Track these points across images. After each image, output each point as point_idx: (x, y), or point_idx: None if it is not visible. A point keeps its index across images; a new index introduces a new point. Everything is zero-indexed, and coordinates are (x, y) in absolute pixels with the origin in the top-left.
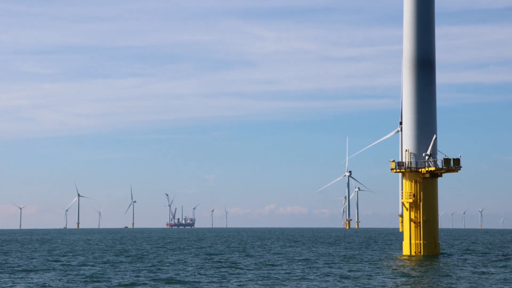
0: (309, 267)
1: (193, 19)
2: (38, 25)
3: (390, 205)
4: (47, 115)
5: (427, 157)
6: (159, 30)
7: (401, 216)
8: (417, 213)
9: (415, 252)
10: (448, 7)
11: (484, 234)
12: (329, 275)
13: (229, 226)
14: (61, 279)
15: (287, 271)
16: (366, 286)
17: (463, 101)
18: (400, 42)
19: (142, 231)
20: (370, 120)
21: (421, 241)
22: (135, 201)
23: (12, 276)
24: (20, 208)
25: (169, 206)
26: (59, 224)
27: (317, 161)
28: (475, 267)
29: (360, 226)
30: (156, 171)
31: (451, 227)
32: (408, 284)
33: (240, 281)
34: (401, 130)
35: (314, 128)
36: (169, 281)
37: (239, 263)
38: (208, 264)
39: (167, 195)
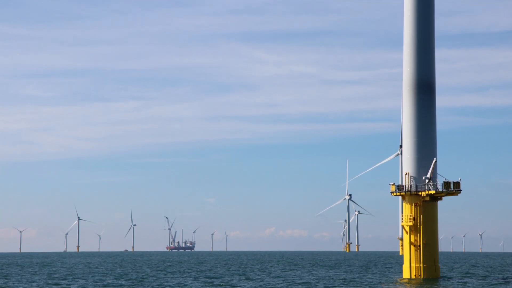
0: None
1: (193, 43)
2: (38, 48)
3: (390, 229)
4: (47, 139)
5: (427, 181)
6: (159, 53)
7: (401, 239)
8: (417, 236)
9: (415, 276)
10: (448, 30)
11: (484, 258)
12: None
13: (229, 249)
14: None
15: None
16: None
17: (463, 124)
18: (400, 66)
19: (142, 254)
20: (370, 143)
21: (421, 264)
22: (135, 224)
23: None
24: (20, 232)
25: (169, 229)
26: (59, 248)
27: (317, 184)
28: None
29: (360, 249)
30: (156, 194)
31: (451, 251)
32: None
33: None
34: (401, 153)
35: (314, 151)
36: None
37: (239, 286)
38: None
39: (167, 218)
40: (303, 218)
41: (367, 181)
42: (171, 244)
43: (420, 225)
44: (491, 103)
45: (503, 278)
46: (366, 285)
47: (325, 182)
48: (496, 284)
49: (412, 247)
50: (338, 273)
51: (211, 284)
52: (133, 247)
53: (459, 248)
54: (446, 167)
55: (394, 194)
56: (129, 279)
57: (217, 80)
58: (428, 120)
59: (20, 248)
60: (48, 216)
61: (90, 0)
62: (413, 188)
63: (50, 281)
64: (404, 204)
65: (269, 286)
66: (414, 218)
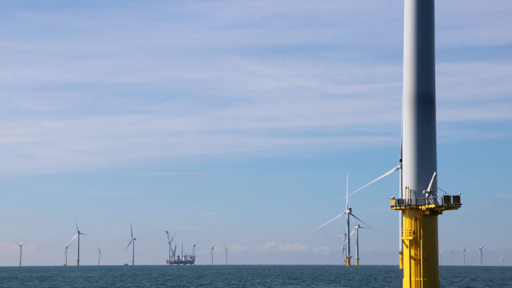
0: None
1: (193, 57)
2: (38, 63)
3: (390, 243)
4: (47, 152)
5: (427, 195)
6: (159, 68)
7: (401, 253)
8: (417, 250)
9: None
10: (448, 44)
11: (484, 272)
12: None
13: (229, 263)
14: None
15: None
16: None
17: (463, 138)
18: (400, 79)
19: (142, 268)
20: (370, 157)
21: (421, 279)
22: (135, 238)
23: None
24: (20, 245)
25: (169, 243)
26: (59, 261)
27: (317, 198)
28: None
29: (360, 263)
30: (156, 208)
31: (451, 264)
32: None
33: None
34: (401, 167)
35: (314, 165)
36: None
37: None
38: None
39: (167, 232)
40: (303, 232)
41: (367, 195)
42: (171, 258)
43: (420, 239)
44: (491, 117)
45: None
46: None
47: (325, 196)
48: None
49: (412, 261)
50: (338, 287)
51: None
52: (133, 261)
53: (459, 262)
54: (446, 181)
55: (394, 208)
56: None
57: (217, 94)
58: (428, 134)
59: (20, 262)
60: (48, 230)
61: (90, 14)
62: (413, 202)
63: None
64: (404, 218)
65: None
66: (414, 232)
